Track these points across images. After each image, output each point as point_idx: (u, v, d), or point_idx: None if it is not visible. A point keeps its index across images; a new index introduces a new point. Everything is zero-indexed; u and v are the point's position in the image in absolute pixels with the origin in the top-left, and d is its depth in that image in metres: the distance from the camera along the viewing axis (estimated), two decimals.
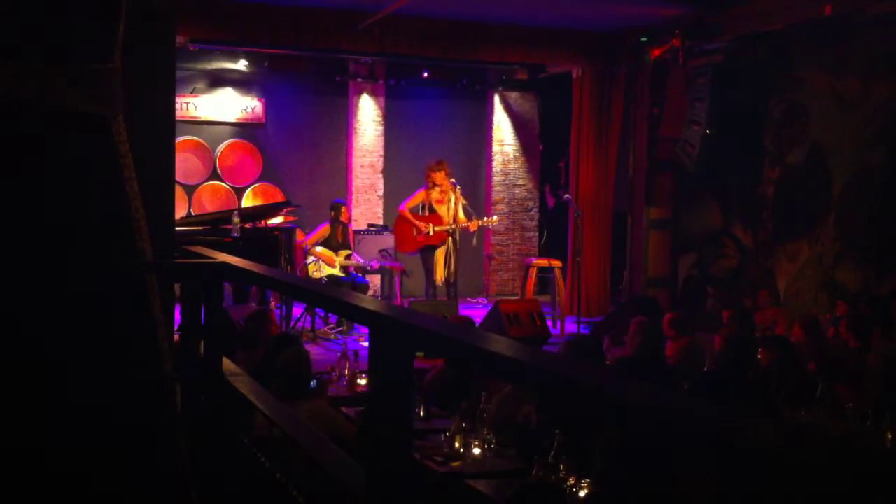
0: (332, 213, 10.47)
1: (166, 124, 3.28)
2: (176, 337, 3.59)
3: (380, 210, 13.39)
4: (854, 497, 0.95)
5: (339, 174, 13.41)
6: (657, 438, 1.29)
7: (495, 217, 11.61)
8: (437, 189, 10.26)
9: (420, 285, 12.22)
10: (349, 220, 10.80)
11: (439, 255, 10.26)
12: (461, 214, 10.30)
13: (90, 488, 2.53)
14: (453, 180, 10.32)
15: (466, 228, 10.37)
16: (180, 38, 10.39)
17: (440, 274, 10.25)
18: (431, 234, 10.21)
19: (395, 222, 10.65)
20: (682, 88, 11.49)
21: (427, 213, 10.36)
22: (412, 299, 11.08)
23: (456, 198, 10.27)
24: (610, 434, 3.14)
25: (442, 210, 10.25)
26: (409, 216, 10.34)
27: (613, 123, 12.24)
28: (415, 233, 10.28)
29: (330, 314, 10.17)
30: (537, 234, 14.36)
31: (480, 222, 10.77)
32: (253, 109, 12.89)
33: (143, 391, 2.62)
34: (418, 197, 10.45)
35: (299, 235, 10.52)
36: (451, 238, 10.26)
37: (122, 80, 2.55)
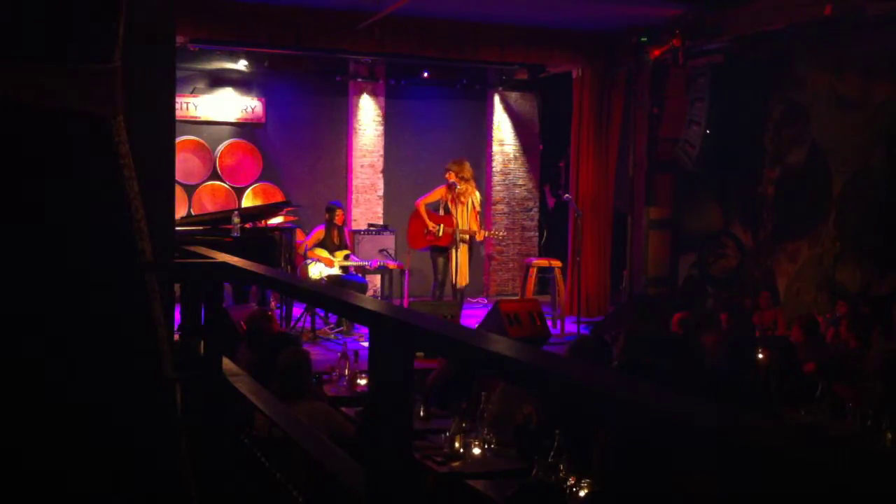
0: (327, 216, 10.43)
1: (166, 124, 3.28)
2: (176, 337, 3.59)
3: (380, 210, 13.40)
4: (854, 497, 0.95)
5: (339, 174, 13.41)
6: (657, 438, 1.29)
7: (503, 231, 11.62)
8: (456, 189, 10.22)
9: (422, 285, 12.22)
10: (344, 222, 10.75)
11: (450, 257, 10.23)
12: (473, 221, 10.27)
13: (90, 488, 2.53)
14: (455, 182, 10.25)
15: (473, 235, 10.36)
16: (180, 38, 10.39)
17: (453, 277, 10.23)
18: (440, 235, 10.18)
19: (409, 216, 10.65)
20: (682, 88, 11.50)
21: (443, 213, 10.34)
22: (413, 299, 11.08)
23: (473, 203, 10.25)
24: (610, 434, 3.14)
25: (454, 212, 10.21)
26: (423, 212, 10.31)
27: (613, 123, 12.24)
28: (425, 231, 10.26)
29: (330, 314, 10.17)
30: (537, 234, 14.36)
31: (487, 233, 10.77)
32: (253, 109, 12.90)
33: (143, 391, 2.62)
34: (437, 193, 10.42)
35: (299, 235, 10.52)
36: (462, 243, 10.22)
37: (122, 80, 2.55)
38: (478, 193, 10.50)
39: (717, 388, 4.92)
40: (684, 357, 6.11)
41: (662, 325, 8.17)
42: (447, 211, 10.29)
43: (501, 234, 11.33)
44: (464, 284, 10.32)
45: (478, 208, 10.37)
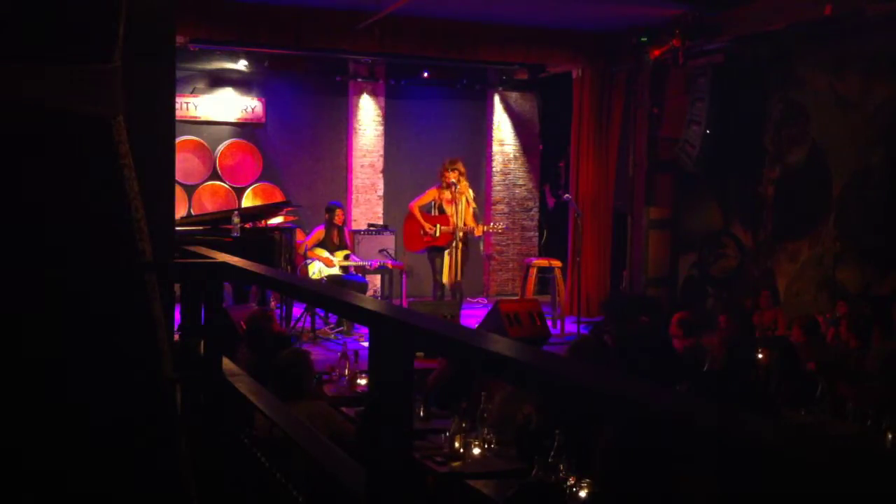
0: (327, 216, 10.44)
1: (166, 124, 3.28)
2: (176, 337, 3.59)
3: (380, 210, 13.39)
4: (854, 497, 0.95)
5: (339, 174, 13.41)
6: (657, 438, 1.29)
7: (501, 224, 11.57)
8: (450, 189, 10.18)
9: (421, 285, 12.23)
10: (344, 222, 10.74)
11: (447, 256, 10.19)
12: (469, 217, 10.23)
13: (90, 488, 2.53)
14: (455, 182, 10.22)
15: (471, 231, 10.32)
16: (180, 38, 10.39)
17: (447, 276, 10.18)
18: (437, 235, 10.13)
19: (404, 219, 10.61)
20: (682, 88, 11.49)
21: (437, 213, 10.29)
22: (413, 299, 11.08)
23: (467, 200, 10.21)
24: (610, 434, 3.14)
25: (451, 211, 10.15)
26: (418, 214, 10.25)
27: (613, 123, 12.25)
28: (422, 232, 10.22)
29: (330, 314, 10.17)
30: (537, 234, 14.36)
31: (486, 228, 10.74)
32: (253, 109, 12.89)
33: (143, 391, 2.62)
34: (429, 195, 10.36)
35: (299, 235, 10.51)
36: (459, 241, 10.18)
37: (122, 80, 2.55)
38: (470, 190, 10.44)
39: (717, 388, 4.92)
40: (664, 356, 6.12)
41: (644, 323, 8.18)
42: (441, 211, 10.24)
43: (500, 226, 11.28)
44: (456, 281, 10.20)
45: (473, 204, 10.34)
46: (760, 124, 10.82)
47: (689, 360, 6.69)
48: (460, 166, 10.23)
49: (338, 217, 10.42)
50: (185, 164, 12.33)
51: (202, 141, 12.63)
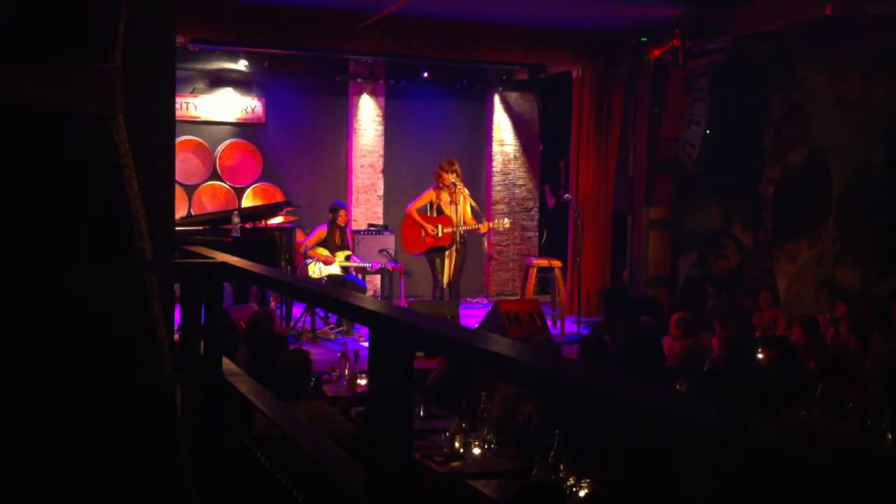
0: (330, 216, 10.43)
1: (166, 124, 3.28)
2: (176, 337, 3.59)
3: (380, 210, 13.39)
4: (854, 497, 0.95)
5: (339, 174, 13.41)
6: (657, 438, 1.29)
7: (507, 220, 11.54)
8: (447, 190, 10.15)
9: (420, 285, 12.22)
10: (346, 222, 10.72)
11: (448, 257, 10.15)
12: (469, 216, 10.20)
13: (90, 488, 2.53)
14: (457, 182, 10.18)
15: (476, 230, 10.29)
16: (180, 38, 10.39)
17: (448, 276, 10.15)
18: (440, 235, 10.09)
19: (402, 223, 10.54)
20: (682, 88, 11.50)
21: (434, 214, 10.25)
22: (413, 299, 11.07)
23: (465, 199, 10.18)
24: (610, 434, 3.14)
25: (450, 211, 10.11)
26: (417, 217, 10.20)
27: (613, 123, 12.25)
28: (423, 234, 10.16)
29: (330, 314, 10.16)
30: (537, 234, 14.36)
31: (491, 224, 10.71)
32: (253, 109, 12.89)
33: (143, 391, 2.62)
34: (426, 197, 10.31)
35: (299, 235, 10.51)
36: (458, 240, 10.15)
37: (122, 80, 2.55)
38: (465, 189, 10.38)
39: (717, 388, 4.92)
40: (653, 353, 6.11)
41: (644, 323, 8.18)
42: (440, 212, 10.20)
43: (506, 223, 11.25)
44: (454, 280, 10.16)
45: (472, 202, 10.30)
46: (760, 124, 10.82)
47: (689, 360, 6.69)
48: (457, 167, 10.22)
49: (341, 217, 10.41)
50: (185, 164, 12.32)
51: (202, 141, 12.62)
